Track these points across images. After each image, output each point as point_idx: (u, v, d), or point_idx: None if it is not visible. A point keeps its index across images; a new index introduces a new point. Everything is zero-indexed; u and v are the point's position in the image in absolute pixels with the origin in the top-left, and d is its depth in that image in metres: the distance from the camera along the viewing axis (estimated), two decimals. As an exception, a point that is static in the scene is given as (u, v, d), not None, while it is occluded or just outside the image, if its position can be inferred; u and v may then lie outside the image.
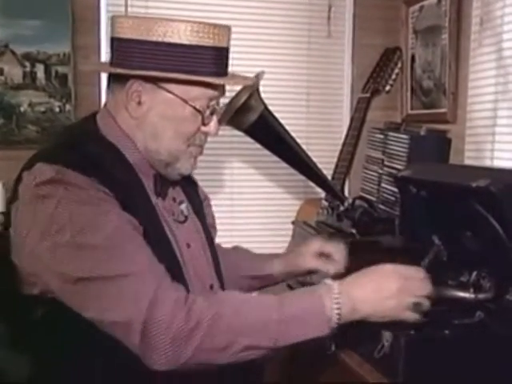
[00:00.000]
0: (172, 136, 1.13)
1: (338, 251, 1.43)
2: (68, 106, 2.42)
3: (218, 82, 1.12)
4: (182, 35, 1.07)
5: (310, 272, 1.45)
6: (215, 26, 1.10)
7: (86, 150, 1.08)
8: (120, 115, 1.14)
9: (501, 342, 1.21)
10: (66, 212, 0.99)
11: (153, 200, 1.15)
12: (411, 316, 1.07)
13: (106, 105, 1.18)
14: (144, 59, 1.08)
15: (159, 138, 1.13)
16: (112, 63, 1.13)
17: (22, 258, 1.04)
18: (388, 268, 1.09)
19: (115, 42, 1.12)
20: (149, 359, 0.97)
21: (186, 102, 1.11)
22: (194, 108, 1.12)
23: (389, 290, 1.05)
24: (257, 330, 1.00)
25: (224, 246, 1.50)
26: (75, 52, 2.41)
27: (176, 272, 1.10)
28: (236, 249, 1.53)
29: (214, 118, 1.16)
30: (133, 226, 1.04)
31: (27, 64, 2.35)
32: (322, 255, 1.43)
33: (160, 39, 1.07)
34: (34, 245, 1.01)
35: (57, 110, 2.41)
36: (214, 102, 1.15)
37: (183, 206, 1.25)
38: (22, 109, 2.37)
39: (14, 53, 2.34)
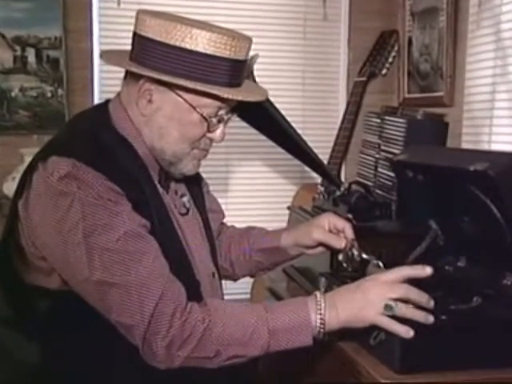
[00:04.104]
0: (177, 138, 1.16)
1: (349, 228, 1.37)
2: (60, 91, 2.39)
3: (225, 96, 1.12)
4: (199, 43, 1.08)
5: (319, 245, 1.40)
6: (234, 37, 1.11)
7: (99, 143, 1.11)
8: (131, 109, 1.17)
9: (498, 327, 1.20)
10: (80, 211, 1.02)
11: (160, 193, 1.19)
12: (384, 320, 1.08)
13: (119, 95, 1.20)
14: (159, 60, 1.10)
15: (165, 138, 1.16)
16: (131, 57, 1.15)
17: (35, 245, 1.08)
18: (370, 277, 1.13)
19: (136, 37, 1.14)
20: (147, 359, 1.05)
21: (194, 108, 1.13)
22: (201, 115, 1.14)
23: (364, 296, 1.09)
24: (244, 342, 1.05)
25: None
26: (67, 36, 2.38)
27: (185, 264, 1.17)
28: (251, 227, 1.53)
29: (221, 127, 1.18)
30: (142, 228, 1.07)
31: (18, 48, 2.33)
32: (333, 231, 1.38)
33: (177, 44, 1.08)
34: (45, 238, 1.06)
35: (49, 94, 2.38)
36: (222, 112, 1.17)
37: (185, 199, 1.28)
38: (12, 94, 2.35)
39: (3, 36, 2.31)
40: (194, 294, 1.15)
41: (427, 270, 1.11)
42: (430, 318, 1.10)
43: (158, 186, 1.19)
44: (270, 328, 1.06)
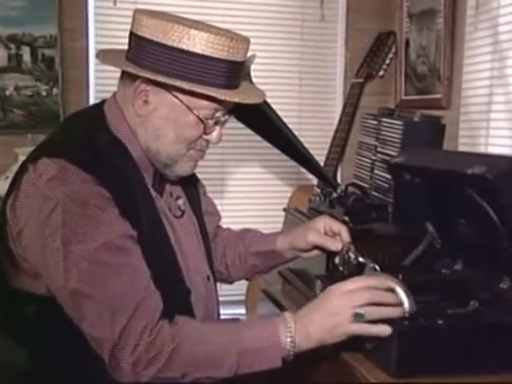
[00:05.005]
0: (173, 139, 1.14)
1: (345, 231, 1.36)
2: (55, 90, 2.37)
3: (223, 98, 1.10)
4: (196, 43, 1.07)
5: (315, 248, 1.38)
6: (232, 38, 1.09)
7: (92, 144, 1.09)
8: (127, 109, 1.15)
9: (495, 331, 1.19)
10: (60, 217, 1.01)
11: (153, 196, 1.17)
12: (357, 328, 1.06)
13: (115, 95, 1.19)
14: (155, 61, 1.08)
15: (160, 139, 1.14)
16: (127, 57, 1.13)
17: (21, 246, 1.07)
18: (331, 288, 1.10)
19: (133, 36, 1.12)
20: (114, 374, 1.03)
21: (190, 109, 1.12)
22: (198, 117, 1.12)
23: (331, 309, 1.06)
24: (213, 364, 1.03)
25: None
26: (62, 34, 2.36)
27: (175, 271, 1.15)
28: (246, 229, 1.52)
29: (217, 128, 1.17)
30: (125, 239, 1.04)
31: (12, 46, 2.31)
32: (328, 233, 1.37)
33: (174, 44, 1.07)
34: (29, 240, 1.05)
35: (44, 93, 2.36)
36: (219, 114, 1.15)
37: (180, 201, 1.27)
38: (7, 92, 2.33)
39: (-2, 34, 2.29)
40: (183, 302, 1.14)
41: (390, 284, 1.09)
42: (398, 311, 1.08)
43: (151, 189, 1.18)
44: (239, 350, 1.04)
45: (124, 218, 1.06)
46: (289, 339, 1.05)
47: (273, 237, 1.43)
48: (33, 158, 1.08)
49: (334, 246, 1.33)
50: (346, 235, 1.34)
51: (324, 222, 1.37)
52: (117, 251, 1.02)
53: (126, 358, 1.00)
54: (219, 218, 1.49)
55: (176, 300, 1.09)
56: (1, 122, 2.34)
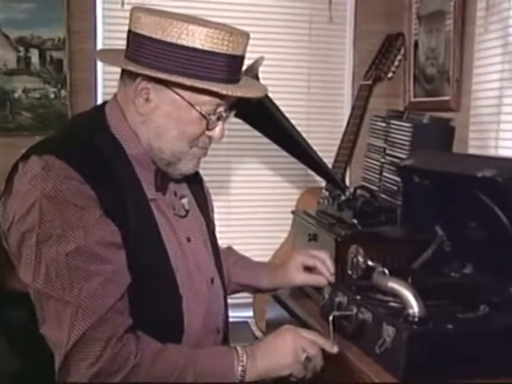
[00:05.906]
0: (176, 136, 1.13)
1: (323, 261, 1.41)
2: (63, 92, 2.38)
3: (224, 92, 1.09)
4: (196, 39, 1.06)
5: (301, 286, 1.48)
6: (232, 32, 1.09)
7: (87, 141, 1.09)
8: (128, 109, 1.14)
9: (506, 336, 1.18)
10: (37, 216, 1.00)
11: (149, 195, 1.15)
12: (301, 370, 1.15)
13: (116, 96, 1.18)
14: (155, 58, 1.07)
15: (163, 137, 1.13)
16: (126, 55, 1.13)
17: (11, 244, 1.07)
18: (286, 328, 1.19)
19: (131, 35, 1.12)
20: (61, 378, 1.01)
21: (192, 106, 1.11)
22: (200, 113, 1.12)
23: (284, 346, 1.14)
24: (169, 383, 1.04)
25: (222, 235, 1.48)
26: (70, 37, 2.37)
27: (167, 275, 1.13)
28: (229, 251, 1.53)
29: (220, 124, 1.16)
30: (102, 246, 1.03)
31: (21, 49, 2.31)
32: (310, 265, 1.43)
33: (174, 40, 1.06)
34: (12, 235, 1.05)
35: (52, 96, 2.37)
36: (221, 109, 1.15)
37: (184, 201, 1.25)
38: (16, 95, 2.33)
39: (7, 37, 2.29)
40: (175, 308, 1.13)
41: (334, 349, 1.19)
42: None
43: (149, 187, 1.16)
44: (196, 371, 1.06)
45: (109, 219, 1.04)
46: (240, 367, 1.10)
47: (257, 273, 1.48)
48: (24, 157, 1.08)
49: (318, 283, 1.42)
50: (323, 268, 1.40)
51: (302, 261, 1.43)
52: (90, 257, 1.01)
53: (82, 370, 0.98)
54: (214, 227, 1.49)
55: (164, 305, 1.09)
56: (9, 125, 2.34)
